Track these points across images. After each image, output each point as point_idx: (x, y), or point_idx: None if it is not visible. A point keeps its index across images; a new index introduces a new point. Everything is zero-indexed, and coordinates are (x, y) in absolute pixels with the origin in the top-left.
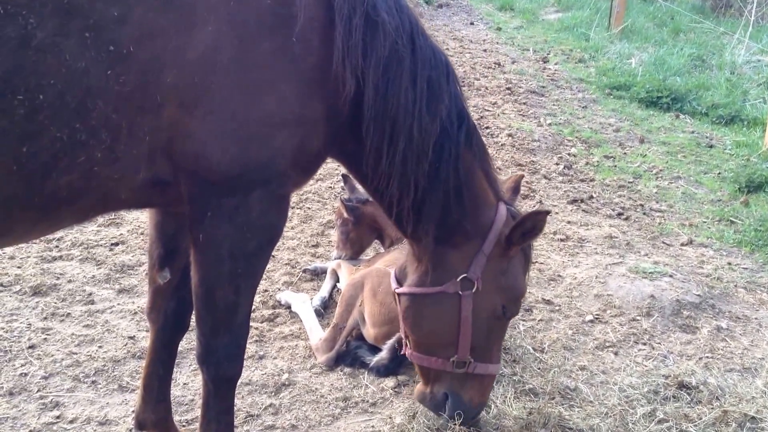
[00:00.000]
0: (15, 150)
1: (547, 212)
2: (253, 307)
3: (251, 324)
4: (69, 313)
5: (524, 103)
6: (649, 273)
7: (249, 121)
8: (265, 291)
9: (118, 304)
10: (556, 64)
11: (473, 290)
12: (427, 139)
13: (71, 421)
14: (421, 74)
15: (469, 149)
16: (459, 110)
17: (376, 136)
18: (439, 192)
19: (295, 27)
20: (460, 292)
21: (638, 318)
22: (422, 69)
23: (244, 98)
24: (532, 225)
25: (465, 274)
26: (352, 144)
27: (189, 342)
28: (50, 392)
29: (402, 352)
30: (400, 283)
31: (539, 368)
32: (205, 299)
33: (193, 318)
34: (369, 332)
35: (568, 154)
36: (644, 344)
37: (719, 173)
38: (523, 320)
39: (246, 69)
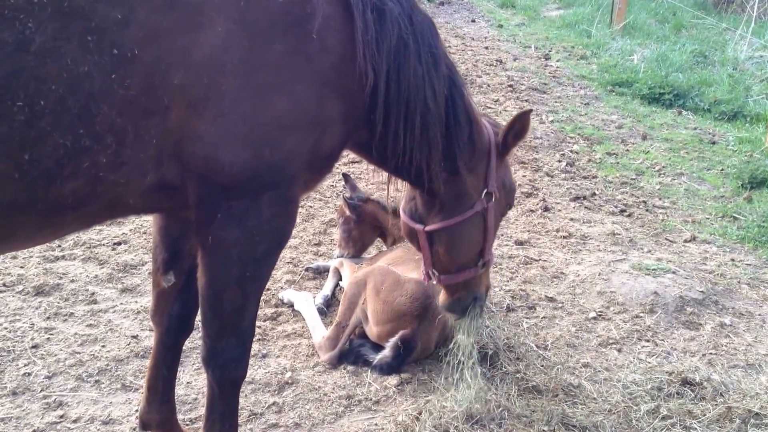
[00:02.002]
0: (17, 157)
1: (530, 111)
2: None
3: None
4: (72, 313)
5: (526, 101)
6: (652, 270)
7: (261, 123)
8: (268, 290)
9: (121, 303)
10: (557, 61)
11: (493, 199)
12: (441, 101)
13: (75, 421)
14: (423, 49)
15: (463, 84)
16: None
17: (392, 120)
18: (465, 135)
19: (311, 26)
20: (486, 206)
21: (641, 315)
22: (422, 43)
23: (255, 100)
24: (521, 126)
25: (486, 189)
26: (365, 133)
27: (192, 341)
28: (53, 392)
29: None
30: (422, 223)
31: (542, 366)
32: (212, 302)
33: (198, 319)
34: (372, 330)
35: (571, 152)
36: (647, 341)
37: (722, 169)
38: (527, 318)
39: (257, 70)
